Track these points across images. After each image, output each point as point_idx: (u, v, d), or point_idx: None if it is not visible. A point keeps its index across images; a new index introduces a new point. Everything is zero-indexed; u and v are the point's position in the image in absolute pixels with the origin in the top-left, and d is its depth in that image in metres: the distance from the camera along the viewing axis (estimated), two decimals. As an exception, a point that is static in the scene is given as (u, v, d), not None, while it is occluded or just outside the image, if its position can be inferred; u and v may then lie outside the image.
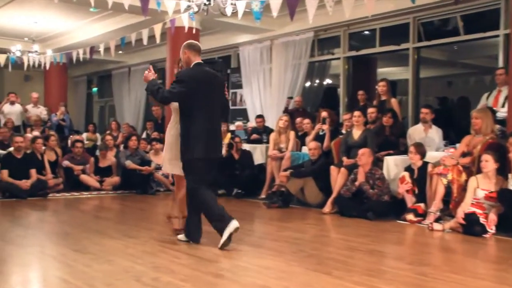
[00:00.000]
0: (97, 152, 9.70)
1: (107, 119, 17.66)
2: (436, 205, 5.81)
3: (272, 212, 6.90)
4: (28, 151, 8.39)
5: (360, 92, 8.80)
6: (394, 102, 7.93)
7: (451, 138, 7.54)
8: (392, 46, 9.94)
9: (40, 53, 12.13)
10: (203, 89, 4.55)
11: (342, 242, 5.01)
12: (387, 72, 12.13)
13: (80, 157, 9.24)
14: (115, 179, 9.03)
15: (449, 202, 5.79)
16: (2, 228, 5.52)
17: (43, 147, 8.84)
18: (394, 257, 4.48)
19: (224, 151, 8.84)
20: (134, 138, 9.41)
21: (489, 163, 5.44)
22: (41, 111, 12.09)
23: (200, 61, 4.73)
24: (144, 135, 11.50)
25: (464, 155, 6.12)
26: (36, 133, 10.38)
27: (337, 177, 6.82)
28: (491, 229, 5.25)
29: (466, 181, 5.69)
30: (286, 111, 10.11)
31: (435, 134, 7.15)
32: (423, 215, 5.96)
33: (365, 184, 6.35)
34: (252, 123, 10.75)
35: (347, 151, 7.18)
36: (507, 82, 6.71)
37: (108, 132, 11.24)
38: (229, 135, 10.32)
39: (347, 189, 6.52)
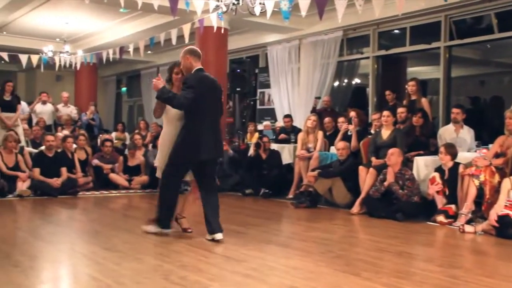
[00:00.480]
0: (126, 151, 9.83)
1: (136, 119, 17.86)
2: (467, 207, 5.71)
3: (299, 212, 6.88)
4: (59, 150, 8.55)
5: (387, 92, 8.70)
6: (424, 101, 7.82)
7: (483, 138, 7.40)
8: (423, 45, 9.81)
9: (71, 53, 12.35)
10: (208, 94, 4.83)
11: (371, 243, 4.96)
12: (417, 71, 11.97)
13: (110, 156, 9.37)
14: (143, 178, 9.13)
15: (481, 204, 5.69)
16: (34, 225, 5.65)
17: (74, 146, 9.00)
18: (424, 259, 4.42)
19: (252, 151, 8.88)
20: (162, 137, 9.48)
21: (523, 164, 5.33)
22: (71, 111, 12.31)
23: (201, 66, 4.92)
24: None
25: (497, 156, 6.01)
26: (66, 132, 10.57)
27: (366, 178, 6.76)
28: (525, 232, 5.14)
29: (499, 182, 5.57)
30: (314, 111, 10.07)
31: (466, 134, 7.03)
32: (454, 216, 5.86)
33: (394, 184, 6.28)
34: (280, 123, 10.74)
35: (375, 151, 7.11)
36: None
37: (136, 131, 11.36)
38: (256, 134, 10.35)
39: (375, 189, 6.46)
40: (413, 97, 7.90)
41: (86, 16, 11.50)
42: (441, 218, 5.90)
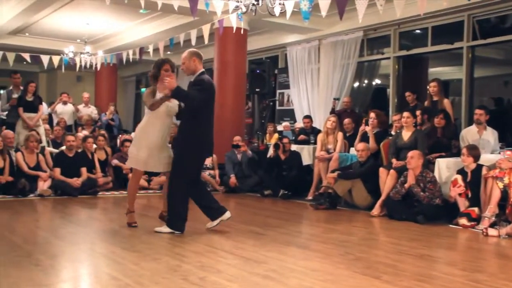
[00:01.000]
0: (145, 152, 9.85)
1: (155, 119, 17.95)
2: (491, 210, 5.62)
3: (319, 214, 6.86)
4: (79, 150, 8.64)
5: (407, 93, 8.62)
6: (446, 102, 7.74)
7: (507, 140, 7.29)
8: (445, 45, 9.71)
9: (91, 54, 12.49)
10: (214, 96, 5.23)
11: (391, 246, 4.92)
12: (439, 72, 11.84)
13: (129, 156, 9.42)
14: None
15: (505, 207, 5.59)
16: (54, 225, 5.71)
17: (94, 146, 9.09)
18: (446, 262, 4.37)
19: (271, 152, 8.88)
20: (181, 138, 9.51)
21: (548, 166, 5.23)
22: (92, 111, 12.43)
23: (203, 69, 5.23)
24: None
25: (522, 158, 5.90)
26: (86, 132, 10.67)
27: (386, 179, 6.71)
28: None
29: (524, 185, 5.49)
30: (333, 112, 10.02)
31: (490, 135, 6.94)
32: (477, 219, 5.78)
33: (415, 186, 6.22)
34: (299, 124, 10.71)
35: (396, 152, 7.05)
36: None
37: (156, 132, 11.41)
38: (276, 135, 10.34)
39: (396, 191, 6.40)
40: (435, 98, 7.82)
41: (106, 17, 11.63)
42: (463, 221, 5.82)
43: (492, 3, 8.46)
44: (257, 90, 10.85)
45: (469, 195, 5.99)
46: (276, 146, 8.69)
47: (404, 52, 10.37)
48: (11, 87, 9.38)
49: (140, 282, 3.42)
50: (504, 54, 11.58)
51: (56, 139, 9.96)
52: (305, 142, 9.31)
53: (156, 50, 10.02)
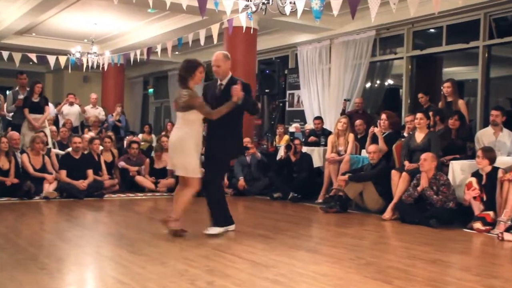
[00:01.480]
0: (153, 154, 9.93)
1: (163, 120, 18.06)
2: (507, 214, 5.59)
3: (329, 217, 6.85)
4: (86, 152, 8.70)
5: (420, 95, 8.55)
6: (461, 103, 7.71)
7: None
8: (460, 45, 9.66)
9: (98, 54, 12.56)
10: None
11: (403, 250, 4.90)
12: (453, 72, 11.78)
13: (136, 158, 9.49)
14: (170, 180, 9.20)
15: (521, 211, 5.56)
16: (60, 228, 5.76)
17: (100, 148, 9.14)
18: (460, 267, 4.35)
19: (282, 153, 8.89)
20: (189, 139, 9.53)
21: None
22: (99, 112, 12.50)
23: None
24: (199, 137, 11.65)
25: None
26: (92, 134, 10.74)
27: (398, 182, 6.69)
28: None
29: (541, 188, 5.45)
30: (343, 113, 10.01)
31: (506, 137, 6.90)
32: (492, 224, 5.75)
33: (428, 189, 6.20)
34: (309, 125, 10.71)
35: (409, 154, 7.03)
36: None
37: (163, 133, 11.48)
38: (286, 137, 10.34)
39: (408, 194, 6.38)
40: (449, 99, 7.79)
41: (114, 16, 11.69)
42: (478, 225, 5.79)
43: (509, 0, 8.40)
44: (266, 90, 10.85)
45: (484, 198, 5.96)
46: (288, 147, 8.69)
47: (417, 52, 10.33)
48: (17, 88, 9.44)
49: (146, 286, 3.44)
50: (521, 54, 11.51)
51: (62, 140, 10.04)
52: (316, 144, 9.31)
53: (164, 50, 10.06)
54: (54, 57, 11.54)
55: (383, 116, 7.95)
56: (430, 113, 7.47)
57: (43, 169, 8.22)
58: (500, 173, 5.92)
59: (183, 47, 10.77)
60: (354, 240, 5.28)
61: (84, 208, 7.27)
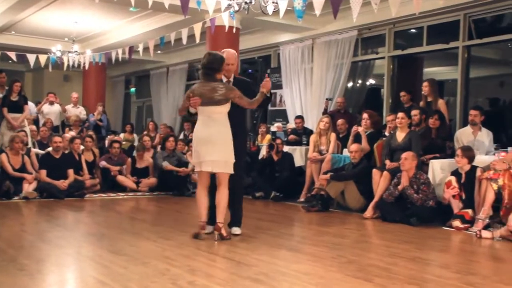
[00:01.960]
0: (134, 153, 9.89)
1: (145, 120, 17.97)
2: (485, 212, 5.67)
3: (311, 216, 6.88)
4: (66, 151, 8.63)
5: (402, 93, 8.66)
6: (441, 103, 7.79)
7: (502, 141, 7.34)
8: (441, 45, 9.77)
9: (79, 53, 12.47)
10: None
11: (384, 249, 4.95)
12: (434, 72, 11.90)
13: (117, 157, 9.44)
14: (151, 180, 9.18)
15: (499, 209, 5.64)
16: (40, 228, 5.70)
17: (81, 147, 9.07)
18: (439, 265, 4.41)
19: (264, 153, 8.90)
20: (171, 139, 9.54)
21: (543, 168, 5.28)
22: (80, 111, 12.41)
23: None
24: (181, 136, 11.66)
25: (516, 159, 5.95)
26: (73, 133, 10.65)
27: (380, 181, 6.75)
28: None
29: (518, 186, 5.54)
30: (325, 113, 10.06)
31: (484, 137, 6.99)
32: (471, 221, 5.84)
33: (409, 188, 6.26)
34: (291, 124, 10.74)
35: (390, 154, 7.10)
36: None
37: (145, 132, 11.44)
38: (268, 136, 10.36)
39: (389, 193, 6.44)
40: (429, 99, 7.87)
41: (95, 15, 11.60)
42: (457, 223, 5.87)
43: (488, 2, 8.51)
44: (249, 90, 10.83)
45: (463, 197, 6.04)
46: (271, 146, 8.71)
47: (399, 52, 10.42)
48: (-5, 87, 9.31)
49: (128, 286, 3.43)
50: (500, 54, 11.66)
51: (42, 140, 9.94)
52: (297, 143, 9.34)
53: (146, 49, 10.02)
54: (34, 55, 11.43)
55: (365, 115, 8.02)
56: (417, 111, 7.51)
57: (23, 169, 8.13)
58: (478, 172, 6.00)
59: (165, 46, 10.74)
60: (335, 239, 5.32)
61: (64, 208, 7.21)
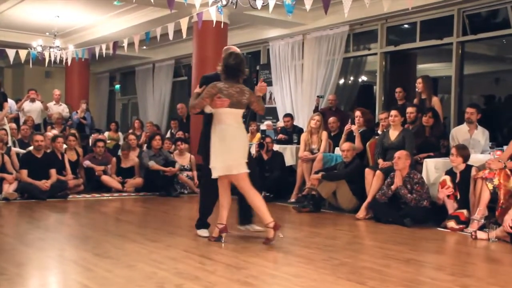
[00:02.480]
0: (119, 152, 9.84)
1: (130, 118, 17.90)
2: (480, 212, 5.71)
3: (302, 217, 6.89)
4: (48, 151, 8.57)
5: (398, 89, 8.69)
6: (435, 100, 7.82)
7: (498, 139, 7.39)
8: (434, 41, 9.81)
9: (61, 48, 12.38)
10: None
11: (377, 250, 4.97)
12: (427, 68, 11.97)
13: (102, 157, 9.39)
14: (137, 180, 9.14)
15: (495, 209, 5.68)
16: (21, 230, 5.65)
17: (64, 146, 9.01)
18: (434, 267, 4.42)
19: (254, 152, 8.89)
20: (158, 137, 9.50)
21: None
22: (63, 109, 12.33)
23: None
24: (168, 135, 11.62)
25: (512, 158, 5.99)
26: (56, 131, 10.59)
27: (372, 181, 6.77)
28: (541, 239, 5.14)
29: (514, 186, 5.58)
30: (316, 110, 10.07)
31: (480, 135, 7.03)
32: (466, 222, 5.87)
33: (402, 188, 6.29)
34: (281, 123, 10.75)
35: (383, 152, 7.12)
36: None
37: (131, 131, 11.39)
38: (258, 135, 10.35)
39: (382, 193, 6.46)
40: (423, 96, 7.90)
41: (78, 9, 11.53)
42: (452, 223, 5.90)
43: (482, -3, 8.59)
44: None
45: (458, 196, 6.07)
46: (261, 145, 8.69)
47: (391, 48, 10.46)
48: (-27, 84, 9.24)
49: (112, 290, 3.42)
50: (495, 50, 11.75)
51: (23, 139, 9.85)
52: (288, 141, 9.34)
53: (131, 44, 9.96)
54: (14, 50, 11.32)
55: (358, 113, 8.03)
56: (413, 109, 7.53)
57: (3, 168, 8.05)
58: (473, 171, 6.03)
59: (151, 41, 10.69)
60: (327, 240, 5.33)
61: (47, 209, 7.16)
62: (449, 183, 6.10)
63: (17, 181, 7.99)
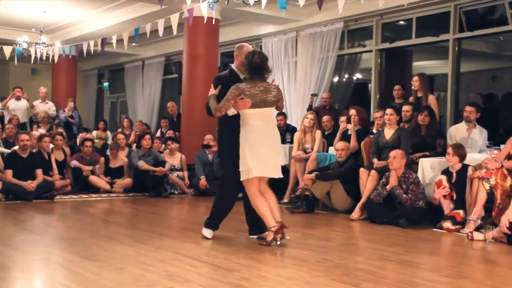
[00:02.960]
0: (108, 152, 9.82)
1: (119, 116, 17.84)
2: (477, 212, 5.74)
3: (295, 218, 6.90)
4: (34, 150, 8.53)
5: (397, 87, 8.68)
6: (432, 99, 7.85)
7: (495, 138, 7.42)
8: (430, 38, 9.83)
9: (48, 44, 12.32)
10: None
11: (372, 251, 4.99)
12: (423, 66, 12.01)
13: (90, 157, 9.36)
14: (126, 180, 9.12)
15: (492, 209, 5.71)
16: (6, 233, 5.62)
17: (51, 146, 8.98)
18: (429, 268, 4.44)
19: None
20: (147, 136, 9.48)
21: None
22: (49, 107, 12.28)
23: None
24: (158, 134, 11.60)
25: (509, 157, 6.02)
26: (42, 131, 10.55)
27: (367, 181, 6.79)
28: (539, 239, 5.17)
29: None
30: (310, 109, 10.08)
31: (478, 135, 7.06)
32: (462, 223, 5.90)
33: (397, 188, 6.31)
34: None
35: (378, 152, 7.14)
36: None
37: (119, 130, 11.37)
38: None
39: (377, 193, 6.48)
40: (419, 94, 7.93)
41: (65, 4, 11.48)
42: (448, 224, 5.92)
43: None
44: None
45: (454, 197, 6.10)
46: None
47: (387, 45, 10.47)
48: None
49: (100, 294, 3.41)
50: (492, 47, 11.80)
51: (8, 138, 9.81)
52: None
53: (120, 41, 9.93)
54: (-1, 47, 11.27)
55: (353, 111, 8.04)
56: (409, 107, 7.55)
57: (-13, 169, 8.04)
58: (470, 171, 6.05)
59: (140, 38, 10.65)
60: (321, 242, 5.34)
61: (32, 211, 7.13)
62: (445, 183, 6.12)
63: (2, 182, 7.96)
